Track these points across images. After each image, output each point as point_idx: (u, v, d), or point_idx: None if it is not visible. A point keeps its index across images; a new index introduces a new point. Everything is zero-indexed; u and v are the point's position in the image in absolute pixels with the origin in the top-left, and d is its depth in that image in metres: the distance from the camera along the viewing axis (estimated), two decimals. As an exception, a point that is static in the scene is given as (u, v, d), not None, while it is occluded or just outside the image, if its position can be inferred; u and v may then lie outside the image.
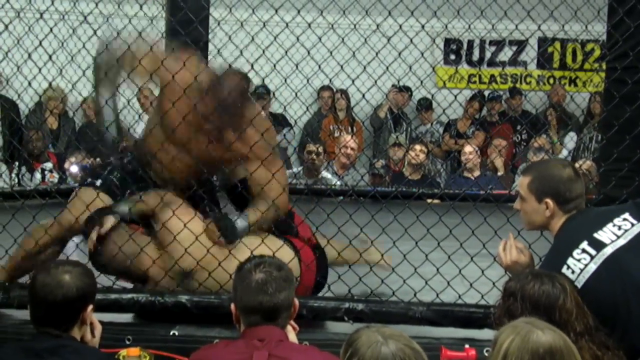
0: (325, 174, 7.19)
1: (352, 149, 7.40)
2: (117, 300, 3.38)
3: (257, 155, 3.53)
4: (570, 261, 2.73)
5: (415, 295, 3.45)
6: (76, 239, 3.80)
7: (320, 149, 7.18)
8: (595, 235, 2.77)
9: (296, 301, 2.55)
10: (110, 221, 3.50)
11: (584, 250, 2.73)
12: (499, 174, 7.61)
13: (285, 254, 3.46)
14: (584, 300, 2.58)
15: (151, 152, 3.62)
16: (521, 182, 2.95)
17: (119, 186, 3.65)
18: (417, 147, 7.48)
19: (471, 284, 3.47)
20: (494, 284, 3.26)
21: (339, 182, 6.96)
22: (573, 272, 2.71)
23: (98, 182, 3.67)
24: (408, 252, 3.56)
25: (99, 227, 3.48)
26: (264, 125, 3.60)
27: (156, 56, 3.50)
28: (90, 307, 2.56)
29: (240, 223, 3.52)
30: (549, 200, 2.86)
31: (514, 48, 9.27)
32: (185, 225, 3.44)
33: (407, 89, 8.71)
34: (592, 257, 2.72)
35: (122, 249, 3.49)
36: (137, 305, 3.38)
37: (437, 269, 3.54)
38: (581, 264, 2.71)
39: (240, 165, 3.59)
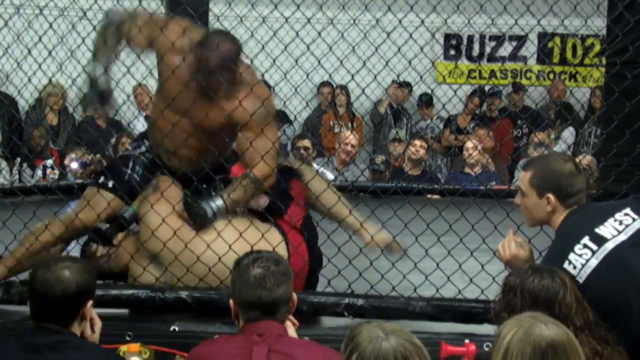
0: (321, 169, 7.16)
1: (352, 145, 7.37)
2: (118, 296, 3.38)
3: (249, 123, 3.46)
4: (571, 256, 2.72)
5: (415, 290, 3.45)
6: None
7: (309, 144, 7.13)
8: (597, 230, 2.76)
9: (294, 296, 2.55)
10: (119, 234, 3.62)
11: (585, 246, 2.73)
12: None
13: (273, 238, 3.48)
14: (585, 296, 2.57)
15: (160, 130, 3.62)
16: (522, 177, 2.93)
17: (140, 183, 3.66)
18: (417, 142, 7.47)
19: (471, 279, 3.48)
20: (493, 278, 3.26)
21: (332, 176, 6.94)
22: (574, 267, 2.70)
23: (109, 183, 3.68)
24: (408, 247, 3.56)
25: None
26: (259, 91, 3.52)
27: (155, 22, 3.50)
28: (90, 302, 2.56)
29: (214, 204, 3.48)
30: (550, 195, 2.85)
31: (514, 43, 9.27)
32: (164, 220, 3.45)
33: (407, 85, 8.71)
34: (593, 253, 2.72)
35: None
36: (138, 301, 3.38)
37: (437, 264, 3.54)
38: (583, 259, 2.71)
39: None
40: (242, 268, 2.50)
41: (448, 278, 3.49)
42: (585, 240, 2.74)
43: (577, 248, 2.73)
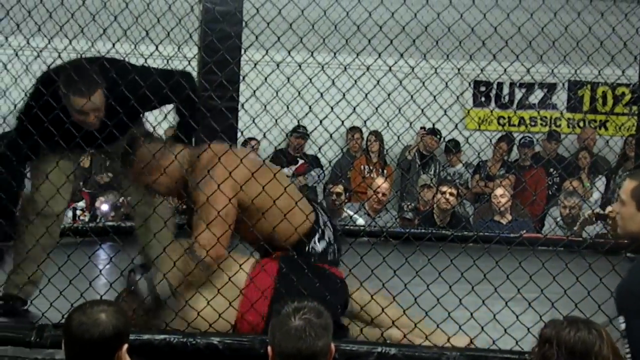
0: (352, 213, 7.14)
1: (383, 194, 7.35)
2: (150, 341, 3.38)
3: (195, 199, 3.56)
4: None
5: (448, 340, 3.42)
6: None
7: (341, 189, 7.16)
8: None
9: (332, 346, 2.53)
10: None
11: None
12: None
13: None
14: None
15: None
16: (625, 186, 2.86)
17: None
18: (446, 189, 7.26)
19: (505, 330, 3.44)
20: (528, 329, 3.23)
21: (362, 221, 6.93)
22: None
23: None
24: (442, 295, 3.54)
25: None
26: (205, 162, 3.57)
27: None
28: (125, 346, 2.56)
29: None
30: None
31: (545, 90, 9.24)
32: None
33: (437, 132, 8.66)
34: None
35: None
36: (170, 347, 3.37)
37: (471, 314, 3.51)
38: None
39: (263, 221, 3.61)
40: (283, 317, 2.47)
41: (482, 328, 3.46)
42: None
43: None
